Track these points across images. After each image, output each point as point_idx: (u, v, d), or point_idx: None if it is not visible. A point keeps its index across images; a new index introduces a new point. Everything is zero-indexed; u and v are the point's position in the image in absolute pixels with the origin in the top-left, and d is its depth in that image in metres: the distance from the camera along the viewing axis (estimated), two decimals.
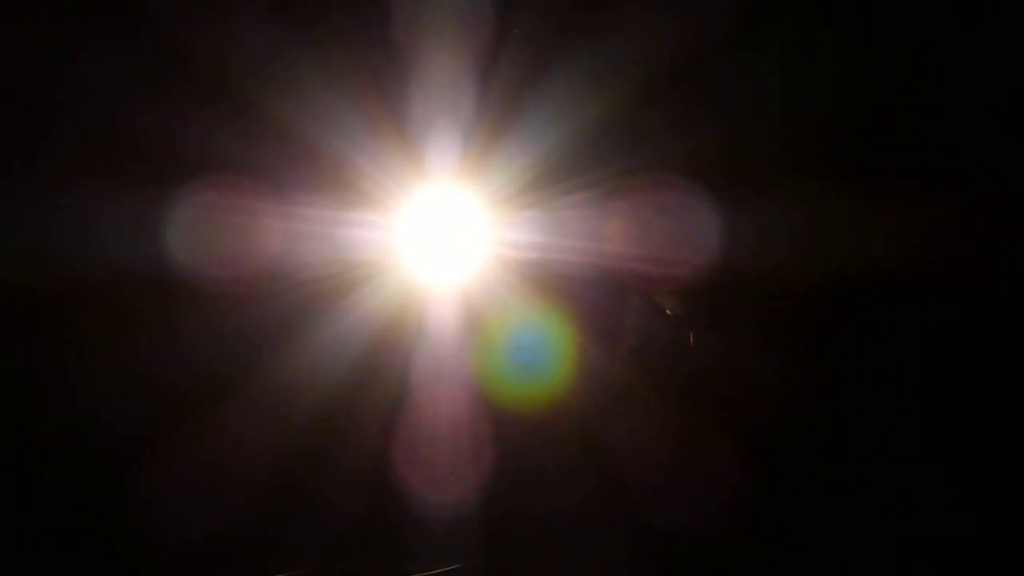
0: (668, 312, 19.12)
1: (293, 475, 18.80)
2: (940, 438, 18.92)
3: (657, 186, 19.23)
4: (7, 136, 18.79)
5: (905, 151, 19.29)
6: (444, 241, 19.82)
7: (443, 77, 19.53)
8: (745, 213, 19.05)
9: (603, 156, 19.46)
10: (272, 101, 19.19)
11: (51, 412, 18.01)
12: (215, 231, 19.18)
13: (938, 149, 19.16)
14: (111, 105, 19.29)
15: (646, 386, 18.80)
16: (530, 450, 19.07)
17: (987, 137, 19.07)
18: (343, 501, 18.72)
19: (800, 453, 18.77)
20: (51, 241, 18.58)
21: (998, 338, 19.13)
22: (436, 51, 19.44)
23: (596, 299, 19.36)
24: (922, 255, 18.57)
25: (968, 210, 18.74)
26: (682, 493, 18.48)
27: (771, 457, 18.59)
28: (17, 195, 18.34)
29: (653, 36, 19.31)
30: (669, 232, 19.23)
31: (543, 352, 19.36)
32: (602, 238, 19.34)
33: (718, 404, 18.58)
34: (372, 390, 19.42)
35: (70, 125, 19.43)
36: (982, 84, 18.98)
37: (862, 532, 18.21)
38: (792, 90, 19.23)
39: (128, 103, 19.24)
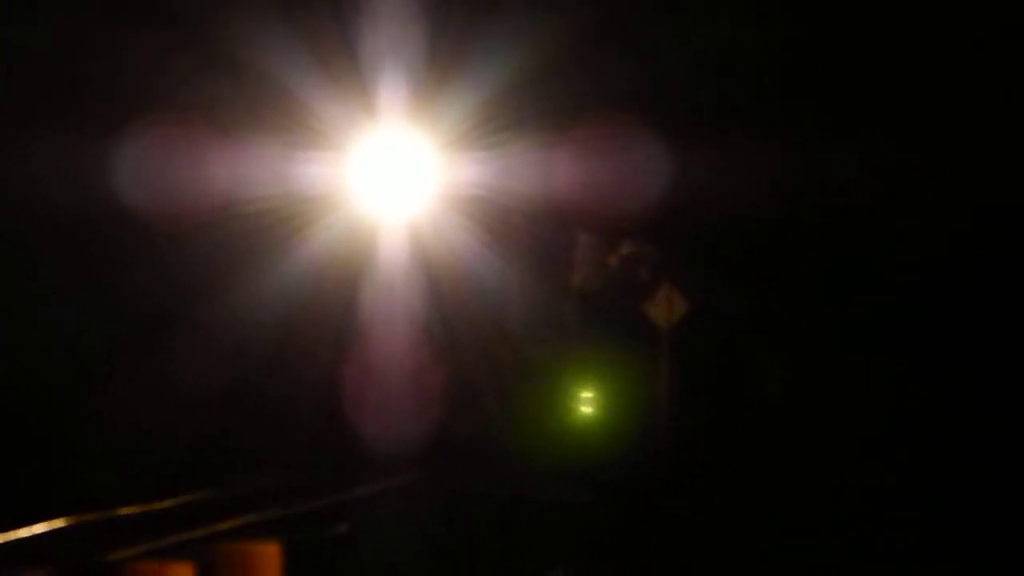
0: (620, 251, 19.30)
1: (251, 393, 19.15)
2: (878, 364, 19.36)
3: (606, 126, 19.45)
4: None
5: (849, 96, 19.55)
6: (394, 179, 20.03)
7: (394, 18, 19.67)
8: (694, 153, 19.28)
9: (552, 97, 19.67)
10: (226, 41, 19.27)
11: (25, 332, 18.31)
12: (168, 167, 19.32)
13: (881, 95, 19.45)
14: (66, 45, 19.36)
15: (592, 322, 19.13)
16: (472, 375, 19.39)
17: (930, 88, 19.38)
18: (299, 418, 19.08)
19: (749, 389, 19.18)
20: (12, 180, 18.70)
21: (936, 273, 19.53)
22: None
23: (545, 237, 19.58)
24: (851, 193, 18.92)
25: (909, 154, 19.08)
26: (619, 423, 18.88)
27: (721, 393, 18.98)
28: None
29: None
30: (618, 171, 19.44)
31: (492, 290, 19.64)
32: (552, 177, 19.56)
33: (668, 341, 18.86)
34: (321, 324, 19.69)
35: (25, 67, 19.50)
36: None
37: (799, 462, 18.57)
38: (741, 29, 19.43)
39: (83, 43, 19.30)
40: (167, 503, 13.72)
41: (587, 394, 18.68)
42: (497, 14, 19.41)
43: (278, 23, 19.45)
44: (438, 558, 13.38)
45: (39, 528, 11.68)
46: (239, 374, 19.19)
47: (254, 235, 19.80)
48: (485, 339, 19.49)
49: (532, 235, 19.83)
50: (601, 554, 14.21)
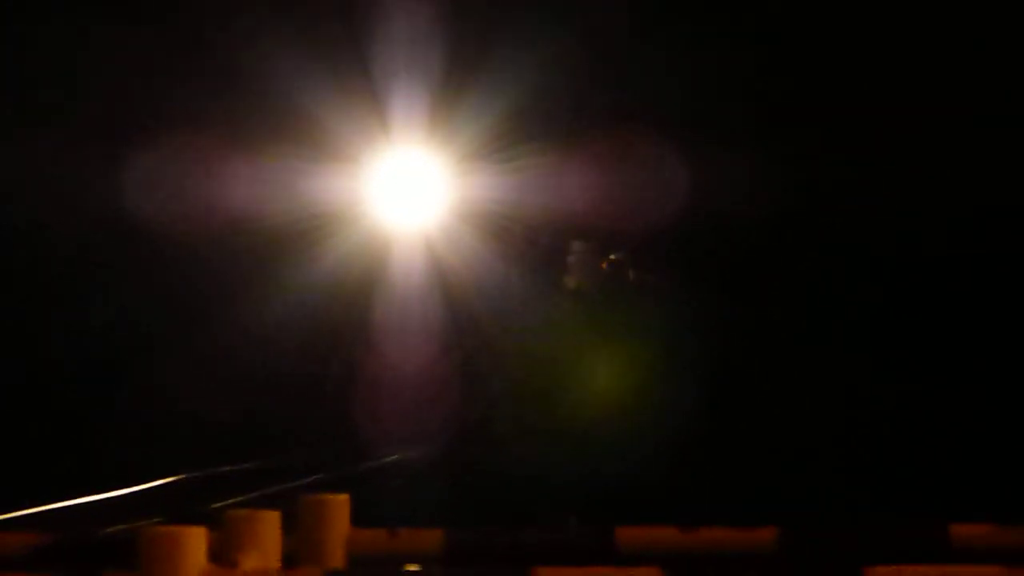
0: (613, 257, 19.60)
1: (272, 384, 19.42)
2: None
3: (618, 138, 19.80)
4: None
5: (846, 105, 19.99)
6: (410, 194, 20.26)
7: (409, 32, 19.98)
8: (698, 163, 19.64)
9: (563, 112, 20.00)
10: (240, 55, 19.51)
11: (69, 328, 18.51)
12: (187, 180, 19.51)
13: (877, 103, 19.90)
14: (80, 58, 19.54)
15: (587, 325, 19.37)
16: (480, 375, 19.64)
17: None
18: (318, 404, 19.36)
19: (740, 393, 19.45)
20: (28, 191, 18.87)
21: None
22: (403, 6, 19.92)
23: (553, 248, 19.85)
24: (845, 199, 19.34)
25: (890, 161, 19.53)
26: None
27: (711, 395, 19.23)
28: None
29: None
30: (622, 182, 19.77)
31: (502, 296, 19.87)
32: (564, 190, 19.85)
33: (659, 343, 19.10)
34: (336, 337, 19.88)
35: (37, 78, 19.67)
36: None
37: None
38: (753, 41, 19.84)
39: (98, 55, 19.49)
40: (253, 465, 14.47)
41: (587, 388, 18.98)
42: (512, 28, 19.76)
43: (291, 37, 19.71)
44: (462, 508, 14.13)
45: (159, 481, 12.46)
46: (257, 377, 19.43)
47: (267, 249, 19.99)
48: (494, 344, 19.71)
49: (543, 247, 20.11)
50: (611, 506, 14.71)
